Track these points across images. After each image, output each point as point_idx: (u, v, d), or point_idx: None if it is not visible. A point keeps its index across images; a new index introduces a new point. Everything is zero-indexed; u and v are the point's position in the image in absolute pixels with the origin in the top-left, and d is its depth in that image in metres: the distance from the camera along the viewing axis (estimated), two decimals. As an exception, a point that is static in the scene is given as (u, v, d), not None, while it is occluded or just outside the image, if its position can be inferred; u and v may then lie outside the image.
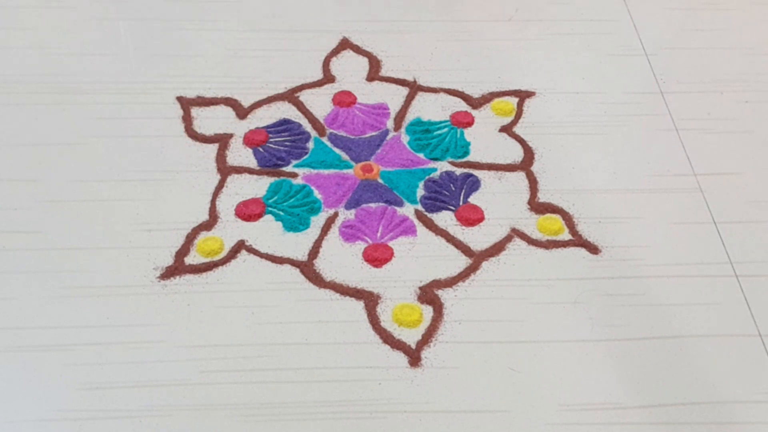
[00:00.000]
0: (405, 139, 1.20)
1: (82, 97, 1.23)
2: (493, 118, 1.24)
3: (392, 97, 1.26)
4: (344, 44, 1.33)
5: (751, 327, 1.00)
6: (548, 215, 1.11)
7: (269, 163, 1.16)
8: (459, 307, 1.01)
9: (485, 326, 0.99)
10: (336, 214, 1.11)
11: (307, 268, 1.04)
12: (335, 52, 1.32)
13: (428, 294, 1.02)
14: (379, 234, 1.08)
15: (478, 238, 1.08)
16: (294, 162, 1.17)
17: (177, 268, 1.03)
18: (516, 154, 1.19)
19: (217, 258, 1.05)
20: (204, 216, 1.09)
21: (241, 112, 1.22)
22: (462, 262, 1.06)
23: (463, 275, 1.04)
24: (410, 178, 1.15)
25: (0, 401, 0.91)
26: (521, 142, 1.20)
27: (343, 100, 1.25)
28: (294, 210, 1.11)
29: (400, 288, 1.03)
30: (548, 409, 0.93)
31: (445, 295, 1.02)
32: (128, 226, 1.07)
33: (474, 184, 1.15)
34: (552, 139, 1.20)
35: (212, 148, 1.18)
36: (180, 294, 1.01)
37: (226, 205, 1.11)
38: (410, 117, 1.23)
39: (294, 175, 1.15)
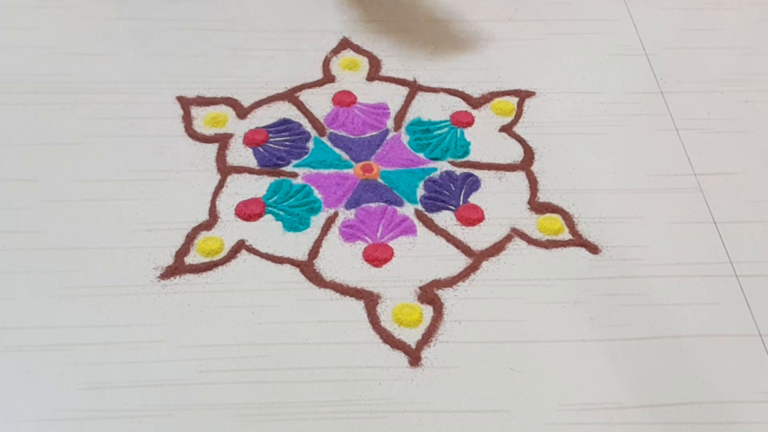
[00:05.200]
0: (405, 138, 1.20)
1: (82, 97, 1.23)
2: (493, 118, 1.24)
3: (392, 96, 1.26)
4: (344, 44, 1.33)
5: (751, 327, 1.00)
6: (548, 215, 1.11)
7: (269, 163, 1.16)
8: (459, 307, 1.01)
9: (485, 326, 0.99)
10: (336, 214, 1.11)
11: (307, 268, 1.04)
12: (335, 51, 1.32)
13: (428, 294, 1.02)
14: (379, 234, 1.09)
15: (478, 238, 1.08)
16: (294, 162, 1.17)
17: (177, 268, 1.04)
18: (516, 154, 1.19)
19: (217, 258, 1.05)
20: (204, 216, 1.09)
21: (241, 112, 1.22)
22: (462, 261, 1.06)
23: (463, 275, 1.04)
24: (410, 177, 1.15)
25: (0, 401, 0.91)
26: (521, 142, 1.20)
27: (343, 99, 1.25)
28: (294, 210, 1.11)
29: (400, 288, 1.03)
30: (548, 409, 0.93)
31: (445, 295, 1.02)
32: (128, 226, 1.07)
33: (474, 184, 1.15)
34: (552, 139, 1.21)
35: (212, 148, 1.18)
36: (180, 294, 1.01)
37: (226, 205, 1.11)
38: (410, 117, 1.23)
39: (294, 175, 1.15)
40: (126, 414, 0.91)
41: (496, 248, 1.07)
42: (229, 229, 1.08)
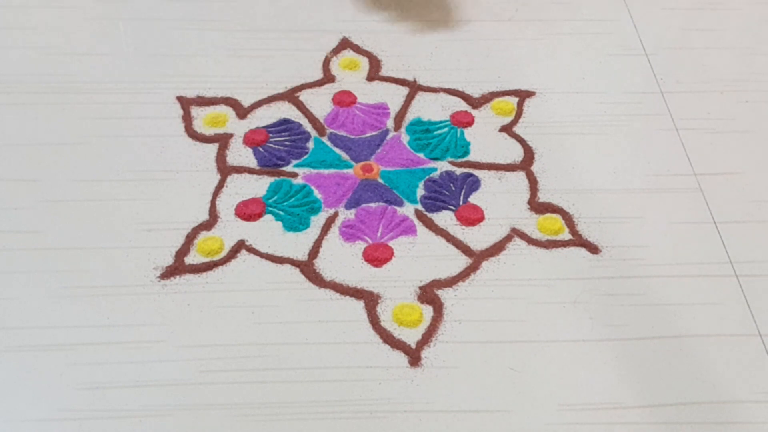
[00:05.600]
0: (405, 138, 1.20)
1: (82, 97, 1.23)
2: (493, 118, 1.24)
3: (392, 96, 1.26)
4: (344, 44, 1.33)
5: (751, 327, 1.00)
6: (548, 215, 1.11)
7: (269, 163, 1.16)
8: (459, 307, 1.01)
9: (485, 326, 0.99)
10: (336, 214, 1.11)
11: (307, 268, 1.04)
12: (335, 51, 1.32)
13: (428, 294, 1.02)
14: (379, 234, 1.08)
15: (478, 237, 1.08)
16: (294, 162, 1.17)
17: (177, 268, 1.04)
18: (516, 153, 1.19)
19: (217, 258, 1.05)
20: (204, 216, 1.09)
21: (241, 112, 1.22)
22: (462, 261, 1.06)
23: (463, 275, 1.04)
24: (410, 177, 1.15)
25: (0, 401, 0.91)
26: (521, 141, 1.20)
27: (343, 99, 1.25)
28: (294, 210, 1.11)
29: (400, 288, 1.03)
30: (548, 409, 0.93)
31: (445, 294, 1.02)
32: (128, 226, 1.07)
33: (474, 184, 1.15)
34: (552, 139, 1.21)
35: (212, 148, 1.18)
36: (180, 294, 1.01)
37: (226, 205, 1.11)
38: (410, 117, 1.23)
39: (294, 175, 1.15)
40: (126, 414, 0.91)
41: (496, 248, 1.07)
42: (229, 229, 1.08)
